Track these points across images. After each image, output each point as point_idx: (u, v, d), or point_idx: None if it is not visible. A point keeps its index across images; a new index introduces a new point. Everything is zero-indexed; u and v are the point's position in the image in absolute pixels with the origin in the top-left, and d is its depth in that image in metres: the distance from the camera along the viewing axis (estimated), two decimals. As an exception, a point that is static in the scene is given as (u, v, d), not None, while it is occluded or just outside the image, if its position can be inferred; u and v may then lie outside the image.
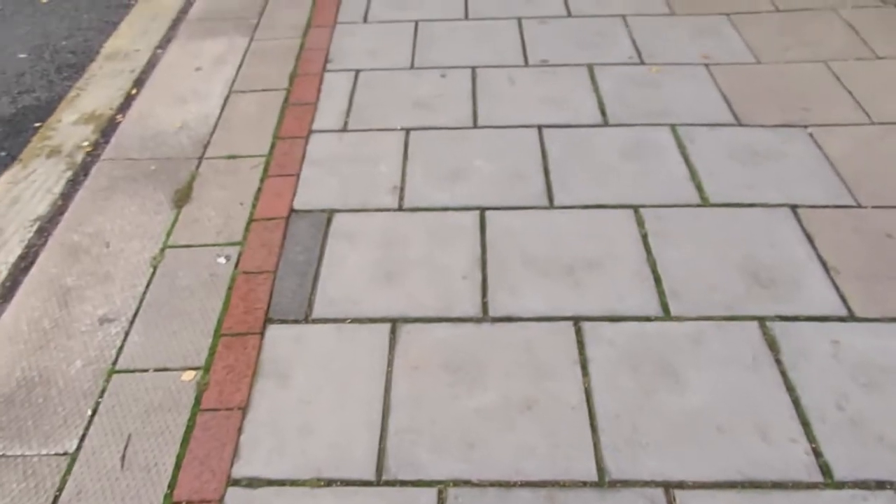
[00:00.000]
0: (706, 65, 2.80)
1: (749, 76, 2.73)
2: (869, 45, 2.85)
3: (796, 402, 1.63)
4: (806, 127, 2.46)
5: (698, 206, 2.17)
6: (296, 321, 1.88)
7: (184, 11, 3.54)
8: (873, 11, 3.07)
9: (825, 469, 1.51)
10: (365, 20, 3.22)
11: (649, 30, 3.04)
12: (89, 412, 1.70)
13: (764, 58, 2.83)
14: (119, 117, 2.85)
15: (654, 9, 3.20)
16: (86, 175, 2.53)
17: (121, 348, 1.83)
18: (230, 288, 1.98)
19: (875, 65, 2.75)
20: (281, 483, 1.53)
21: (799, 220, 2.10)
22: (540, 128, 2.52)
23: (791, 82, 2.68)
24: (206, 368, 1.77)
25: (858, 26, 2.97)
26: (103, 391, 1.74)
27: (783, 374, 1.69)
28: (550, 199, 2.23)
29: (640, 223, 2.12)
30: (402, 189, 2.29)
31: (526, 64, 2.86)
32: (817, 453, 1.54)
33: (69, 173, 2.60)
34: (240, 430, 1.64)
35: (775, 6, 3.16)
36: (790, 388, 1.66)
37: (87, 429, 1.66)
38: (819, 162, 2.31)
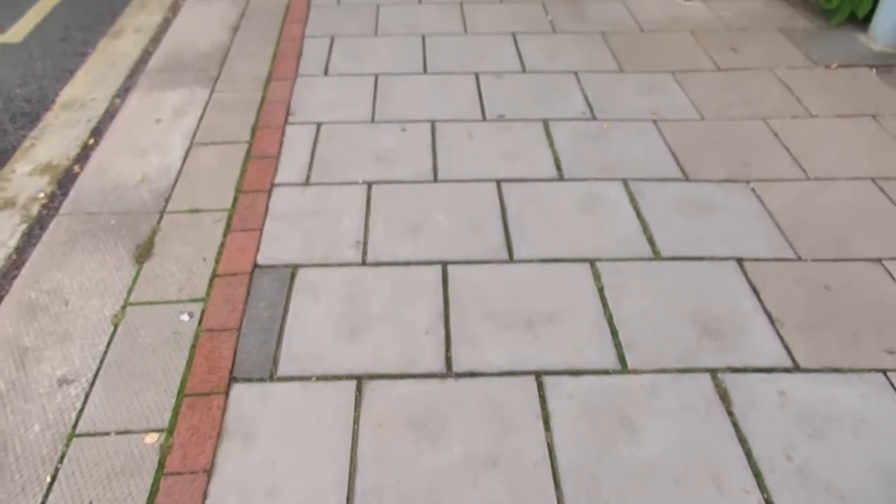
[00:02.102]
0: (654, 121, 2.94)
1: (694, 132, 2.87)
2: (803, 103, 3.04)
3: (748, 453, 1.71)
4: (748, 182, 2.60)
5: (651, 259, 2.27)
6: (261, 379, 1.88)
7: (143, 61, 3.55)
8: (805, 72, 3.28)
9: (776, 518, 1.58)
10: (326, 73, 3.29)
11: (600, 86, 3.18)
12: (48, 479, 1.66)
13: (707, 114, 2.98)
14: (76, 168, 2.82)
15: (604, 66, 3.35)
16: (42, 229, 2.50)
17: (81, 411, 1.80)
18: (193, 346, 1.97)
19: (809, 122, 2.93)
20: (248, 548, 1.53)
21: (745, 273, 2.21)
22: (498, 182, 2.60)
23: (733, 138, 2.83)
24: (170, 430, 1.76)
25: (793, 85, 3.17)
26: (63, 456, 1.71)
27: (735, 425, 1.77)
28: (510, 252, 2.29)
29: (597, 276, 2.20)
30: (364, 243, 2.33)
31: (484, 118, 2.96)
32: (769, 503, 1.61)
33: (24, 226, 2.57)
34: (205, 495, 1.63)
35: (716, 65, 3.35)
36: (742, 440, 1.73)
37: (45, 496, 1.63)
38: (761, 216, 2.44)
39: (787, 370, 1.91)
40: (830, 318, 2.06)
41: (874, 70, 3.29)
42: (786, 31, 3.65)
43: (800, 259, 2.26)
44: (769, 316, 2.06)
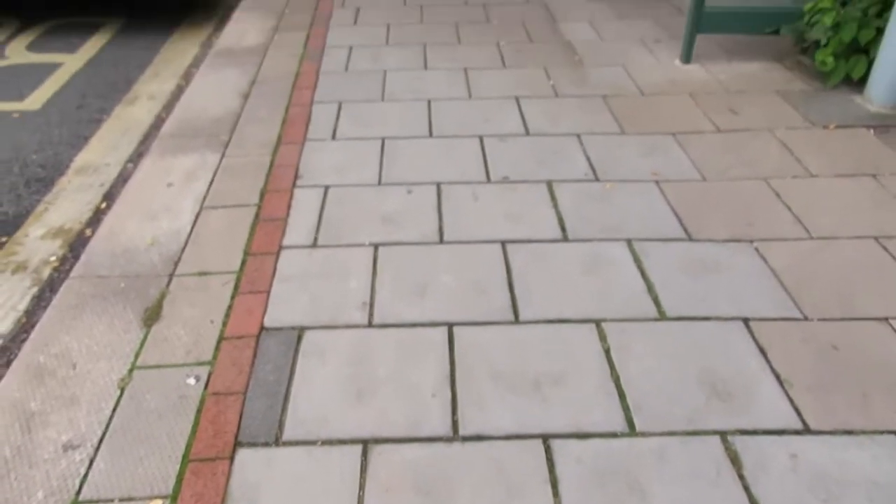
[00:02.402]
0: (656, 182, 2.98)
1: (696, 192, 2.91)
2: (803, 163, 3.09)
3: (760, 519, 1.68)
4: (751, 241, 2.62)
5: (656, 319, 2.27)
6: (266, 444, 1.87)
7: (155, 127, 3.65)
8: (804, 132, 3.34)
9: (793, 588, 1.54)
10: (333, 137, 3.37)
11: (602, 148, 3.25)
12: (50, 548, 1.64)
13: (709, 175, 3.03)
14: (88, 232, 2.88)
15: (606, 128, 3.42)
16: (52, 292, 2.53)
17: (85, 476, 1.79)
18: (199, 410, 1.97)
19: (810, 182, 2.97)
20: None
21: (751, 333, 2.20)
22: (503, 243, 2.63)
23: (735, 198, 2.87)
24: (174, 496, 1.74)
25: (792, 146, 3.22)
26: (65, 524, 1.69)
27: (746, 489, 1.74)
28: (516, 313, 2.30)
29: (603, 337, 2.20)
30: (371, 305, 2.34)
31: (488, 180, 3.01)
32: (784, 571, 1.57)
33: (35, 290, 2.60)
34: (208, 564, 1.60)
35: (716, 127, 3.41)
36: (754, 504, 1.71)
37: (46, 566, 1.60)
38: (766, 275, 2.45)
39: (797, 432, 1.88)
40: (839, 379, 2.04)
41: (871, 130, 3.35)
42: (783, 93, 3.74)
43: (806, 318, 2.26)
44: (777, 376, 2.05)
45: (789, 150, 3.19)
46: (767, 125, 3.41)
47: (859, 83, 3.67)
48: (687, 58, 4.11)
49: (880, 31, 3.51)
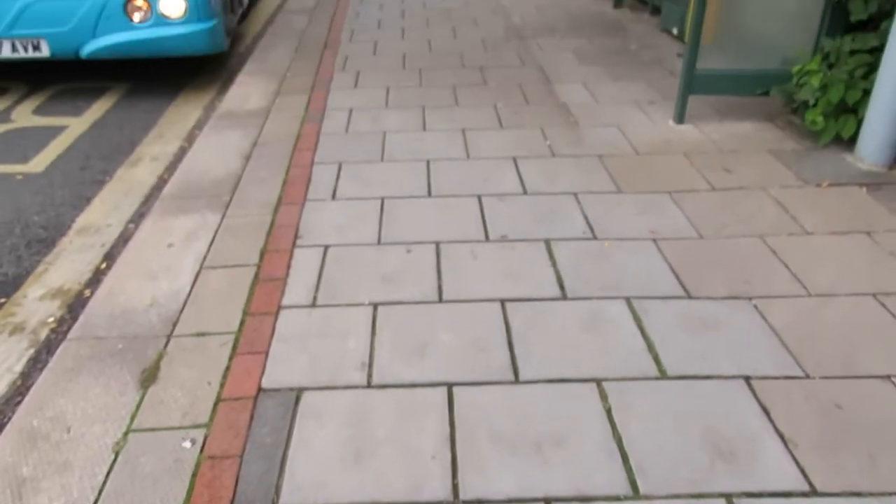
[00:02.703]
0: (654, 239, 3.01)
1: (693, 250, 2.93)
2: (798, 221, 3.12)
3: (770, 586, 1.63)
4: (750, 299, 2.62)
5: (657, 378, 2.26)
6: (262, 510, 1.83)
7: (158, 188, 3.70)
8: (797, 190, 3.39)
9: None
10: (333, 197, 3.41)
11: (599, 206, 3.28)
12: None
13: (705, 233, 3.05)
14: (87, 292, 2.88)
15: (603, 187, 3.47)
16: (49, 353, 2.52)
17: (76, 545, 1.75)
18: (195, 474, 1.93)
19: (805, 239, 2.99)
20: None
21: (753, 392, 2.19)
22: (503, 301, 2.63)
23: (732, 256, 2.89)
24: (167, 566, 1.69)
25: (786, 204, 3.26)
26: None
27: (754, 554, 1.70)
28: (515, 373, 2.29)
29: (604, 397, 2.18)
30: (370, 365, 2.33)
31: (487, 239, 3.04)
32: None
33: (31, 351, 2.59)
34: None
35: (711, 185, 3.46)
36: (763, 571, 1.66)
37: None
38: (766, 333, 2.44)
39: (804, 494, 1.85)
40: (844, 438, 2.02)
41: (864, 188, 3.40)
42: (775, 152, 3.80)
43: (808, 377, 2.25)
44: (781, 436, 2.02)
45: (784, 208, 3.23)
46: (761, 183, 3.46)
47: (850, 142, 3.74)
48: (680, 118, 4.20)
49: (867, 93, 3.60)
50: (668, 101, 4.49)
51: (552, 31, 6.37)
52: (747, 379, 2.24)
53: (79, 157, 4.13)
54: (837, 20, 3.87)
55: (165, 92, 5.19)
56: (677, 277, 2.75)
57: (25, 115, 4.73)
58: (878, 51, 3.57)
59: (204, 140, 4.10)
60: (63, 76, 5.37)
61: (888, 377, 2.23)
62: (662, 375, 2.26)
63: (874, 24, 3.73)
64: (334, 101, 4.68)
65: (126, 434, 2.07)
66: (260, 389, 2.23)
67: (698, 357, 2.34)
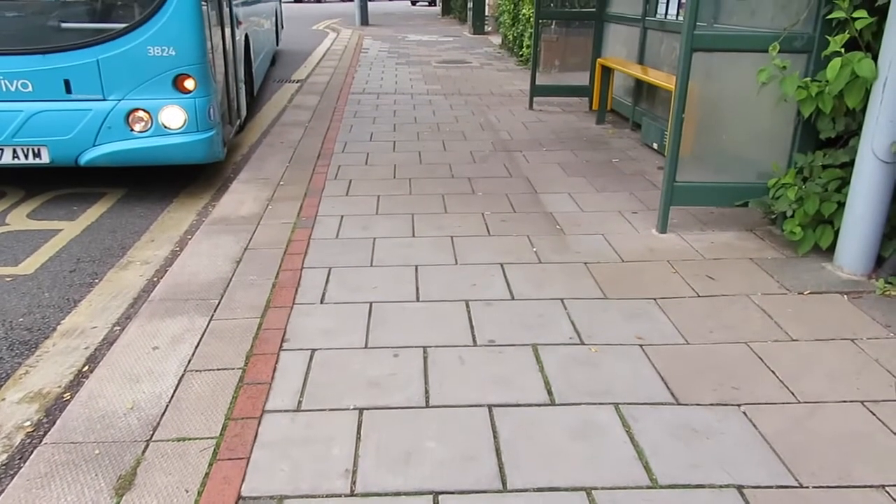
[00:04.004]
0: (641, 345, 3.02)
1: (681, 356, 2.94)
2: (782, 328, 3.16)
3: None
4: (739, 406, 2.60)
5: (649, 487, 2.20)
6: None
7: (146, 291, 3.71)
8: (780, 298, 3.45)
9: None
10: (322, 301, 3.42)
11: (586, 312, 3.31)
12: None
13: (691, 339, 3.07)
14: (67, 396, 2.82)
15: (589, 293, 3.52)
16: (23, 459, 2.44)
17: None
18: (166, 590, 1.83)
19: (791, 346, 3.01)
20: None
21: (747, 503, 2.13)
22: (490, 407, 2.60)
23: (719, 362, 2.89)
24: None
25: (770, 311, 3.30)
26: None
27: None
28: (503, 481, 2.23)
29: (594, 507, 2.12)
30: (354, 472, 2.26)
31: (475, 344, 3.03)
32: None
33: (4, 456, 2.50)
34: None
35: (696, 292, 3.52)
36: None
37: None
38: (756, 441, 2.41)
39: None
40: (843, 552, 1.95)
41: (845, 296, 3.46)
42: (757, 260, 3.89)
43: (801, 486, 2.20)
44: (778, 550, 1.96)
45: (768, 315, 3.27)
46: (745, 290, 3.52)
47: (828, 251, 3.84)
48: (663, 228, 4.32)
49: (841, 205, 3.74)
50: (651, 211, 4.63)
51: (538, 145, 6.64)
52: (740, 488, 2.19)
53: (69, 260, 4.16)
54: (808, 137, 4.08)
55: (160, 197, 5.30)
56: (665, 383, 2.74)
57: (20, 219, 4.79)
58: (848, 165, 3.74)
59: (195, 244, 4.16)
60: (61, 181, 5.49)
61: (882, 487, 2.19)
62: (654, 485, 2.21)
63: (843, 141, 3.93)
64: (326, 208, 4.79)
65: (96, 546, 1.97)
66: (240, 497, 2.15)
67: (689, 466, 2.29)
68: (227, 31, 6.02)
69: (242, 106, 6.85)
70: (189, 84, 4.80)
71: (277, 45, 13.17)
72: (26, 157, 4.77)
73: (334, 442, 2.41)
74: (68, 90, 4.65)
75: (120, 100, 4.73)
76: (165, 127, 4.85)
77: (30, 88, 4.61)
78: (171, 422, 2.51)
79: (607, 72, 7.47)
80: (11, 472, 2.37)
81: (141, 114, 4.78)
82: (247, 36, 7.57)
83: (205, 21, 4.88)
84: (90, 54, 4.62)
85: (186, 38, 4.73)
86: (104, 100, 4.71)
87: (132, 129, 4.81)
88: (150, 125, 4.82)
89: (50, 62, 4.60)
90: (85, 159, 4.82)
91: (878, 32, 3.55)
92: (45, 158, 4.79)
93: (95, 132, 4.76)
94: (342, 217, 4.61)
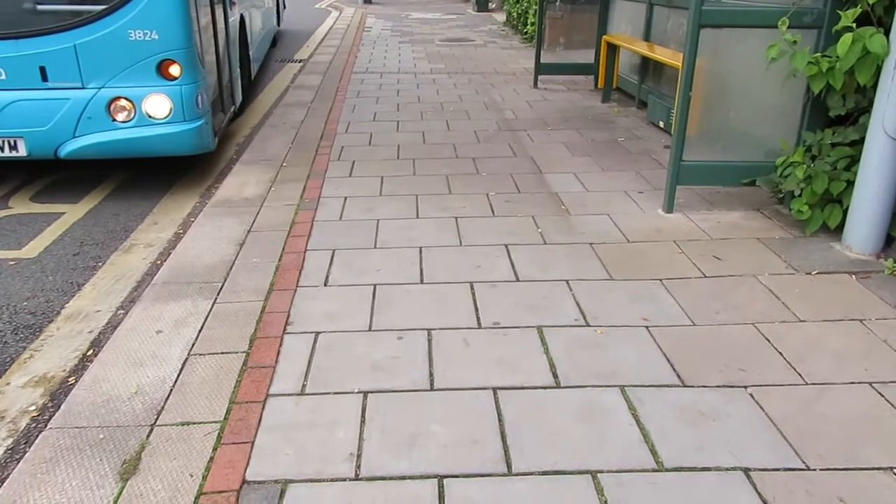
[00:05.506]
0: (646, 327, 2.99)
1: (687, 338, 2.91)
2: (790, 309, 3.12)
3: None
4: (746, 387, 2.58)
5: (654, 470, 2.19)
6: None
7: (150, 274, 3.69)
8: (788, 278, 3.41)
9: None
10: (326, 284, 3.40)
11: (592, 294, 3.29)
12: None
13: (698, 320, 3.05)
14: (71, 380, 2.82)
15: (595, 274, 3.49)
16: (28, 444, 2.44)
17: None
18: (171, 574, 1.83)
19: (798, 327, 2.98)
20: None
21: (753, 485, 2.12)
22: (495, 390, 2.58)
23: (726, 343, 2.87)
24: None
25: (777, 292, 3.27)
26: None
27: None
28: (508, 464, 2.22)
29: (600, 490, 2.11)
30: (358, 456, 2.26)
31: (479, 326, 3.02)
32: None
33: (9, 441, 2.51)
34: None
35: (702, 273, 3.48)
36: None
37: None
38: (763, 423, 2.40)
39: None
40: (850, 535, 1.94)
41: (853, 276, 3.42)
42: (765, 240, 3.85)
43: (808, 468, 2.19)
44: (785, 533, 1.95)
45: (775, 296, 3.24)
46: (752, 271, 3.49)
47: (836, 230, 3.80)
48: (669, 207, 4.28)
49: (850, 184, 3.68)
50: (657, 191, 4.59)
51: (543, 125, 6.57)
52: (746, 471, 2.17)
53: (73, 244, 4.15)
54: (817, 115, 4.01)
55: (162, 180, 5.27)
56: (671, 365, 2.72)
57: (23, 202, 4.77)
58: (857, 144, 3.68)
59: (198, 227, 4.14)
60: (63, 164, 5.46)
61: (890, 469, 2.18)
62: (660, 468, 2.20)
63: (853, 118, 3.87)
64: (329, 189, 4.76)
65: (101, 530, 1.97)
66: (244, 482, 2.15)
67: (695, 448, 2.28)
68: (220, 12, 5.77)
69: (237, 92, 6.57)
70: (174, 70, 4.49)
71: (279, 25, 13.01)
72: (2, 149, 4.47)
73: (339, 426, 2.40)
74: (44, 78, 4.36)
75: (100, 88, 4.44)
76: (150, 116, 4.56)
77: (2, 76, 4.32)
78: (176, 406, 2.51)
79: (613, 49, 7.38)
80: (17, 457, 2.37)
81: (123, 102, 4.49)
82: (242, 17, 7.23)
83: (191, 2, 4.55)
84: (66, 39, 4.31)
85: (171, 21, 4.41)
86: (83, 88, 4.42)
87: (114, 119, 4.51)
88: (133, 115, 4.53)
89: (23, 48, 4.28)
90: (65, 151, 4.53)
91: (890, 7, 3.47)
92: (22, 151, 4.49)
93: (75, 123, 4.46)
94: (345, 198, 4.58)
